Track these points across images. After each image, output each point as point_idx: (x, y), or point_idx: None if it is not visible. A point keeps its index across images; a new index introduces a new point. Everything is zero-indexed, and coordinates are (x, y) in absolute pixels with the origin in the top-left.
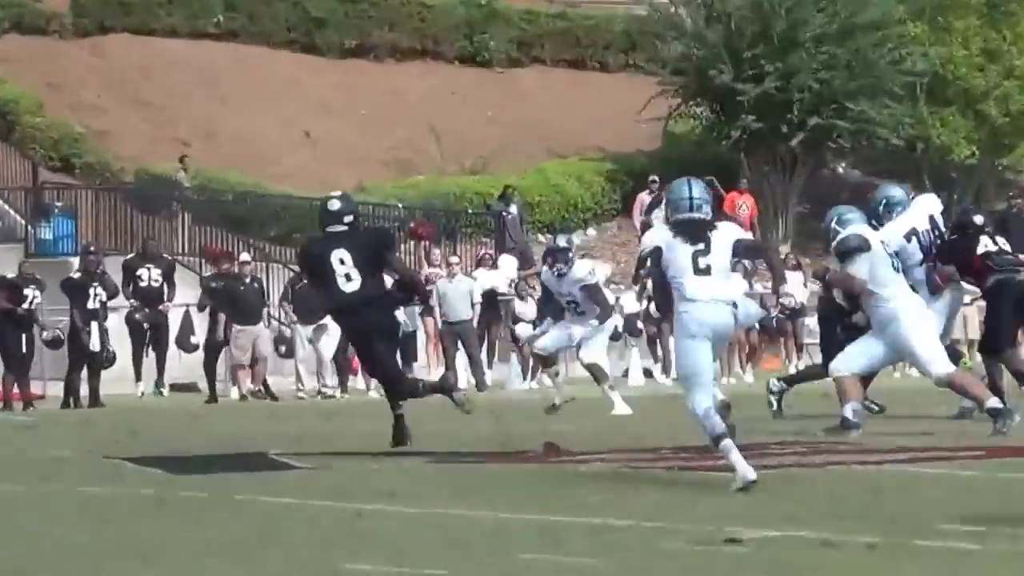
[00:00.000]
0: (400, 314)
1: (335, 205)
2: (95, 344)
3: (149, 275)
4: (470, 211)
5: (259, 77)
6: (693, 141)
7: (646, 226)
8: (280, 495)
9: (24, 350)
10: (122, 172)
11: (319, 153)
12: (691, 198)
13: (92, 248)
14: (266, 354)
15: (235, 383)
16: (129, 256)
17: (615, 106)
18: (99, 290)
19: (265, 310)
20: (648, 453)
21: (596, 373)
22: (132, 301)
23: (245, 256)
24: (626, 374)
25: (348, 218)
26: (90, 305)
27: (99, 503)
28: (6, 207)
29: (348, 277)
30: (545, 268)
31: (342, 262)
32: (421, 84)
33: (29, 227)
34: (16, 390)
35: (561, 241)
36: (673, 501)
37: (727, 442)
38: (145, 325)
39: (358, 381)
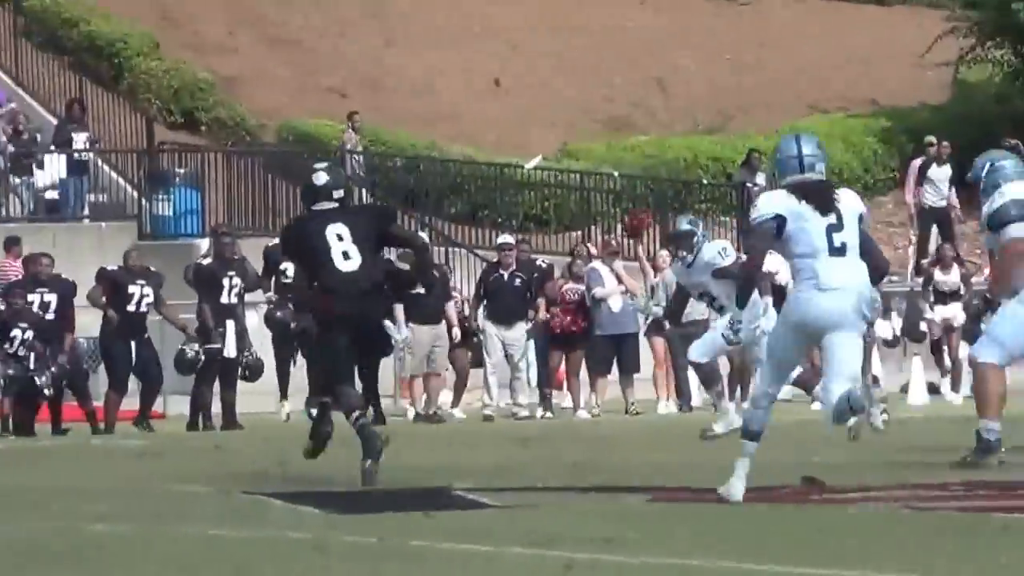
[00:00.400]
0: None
1: (321, 179)
2: (230, 349)
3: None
4: (705, 181)
5: (436, 11)
6: (991, 92)
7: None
8: (468, 540)
9: (133, 364)
10: (260, 130)
11: (511, 107)
12: (800, 156)
13: (225, 228)
14: (444, 365)
15: (408, 399)
16: (274, 243)
17: (892, 48)
18: (235, 280)
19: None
20: (935, 489)
21: (704, 377)
22: (272, 296)
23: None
24: (905, 389)
25: (338, 193)
26: (224, 300)
27: (236, 549)
28: (113, 175)
29: (346, 255)
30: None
31: (340, 238)
32: (642, 21)
33: (143, 200)
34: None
35: (683, 224)
36: (966, 551)
37: (749, 446)
38: (292, 326)
39: (564, 398)
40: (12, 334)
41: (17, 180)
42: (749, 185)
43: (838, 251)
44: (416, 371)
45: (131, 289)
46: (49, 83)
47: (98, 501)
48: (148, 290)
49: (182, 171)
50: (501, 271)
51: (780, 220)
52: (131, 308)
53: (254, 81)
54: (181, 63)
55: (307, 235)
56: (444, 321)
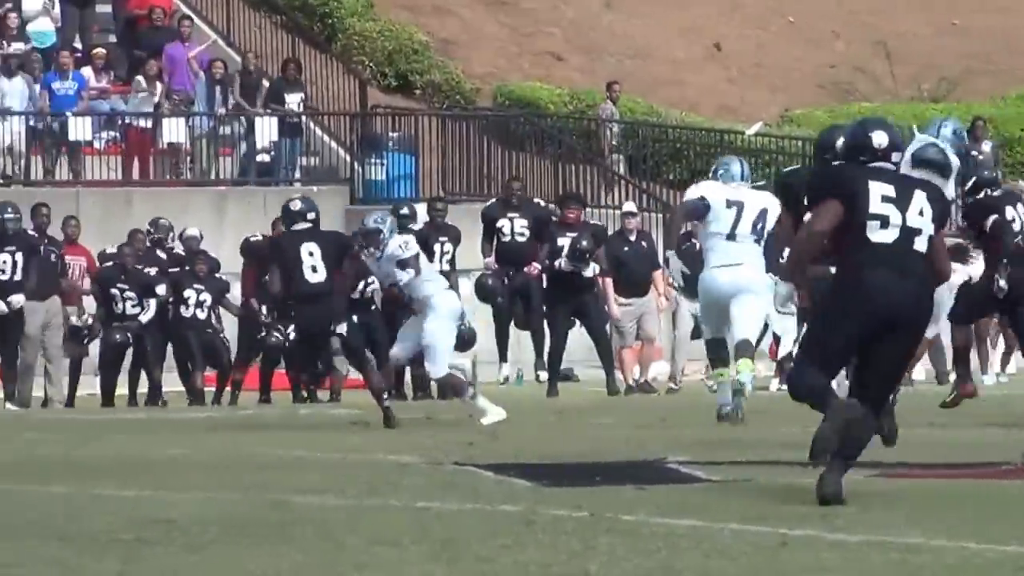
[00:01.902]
0: None
1: (296, 205)
2: None
3: (512, 227)
4: None
5: None
6: None
7: None
8: (681, 515)
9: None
10: (476, 94)
11: (732, 71)
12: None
13: (440, 194)
14: (654, 335)
15: (620, 369)
16: (488, 203)
17: None
18: (447, 246)
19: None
20: None
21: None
22: (489, 261)
23: (630, 206)
24: None
25: (311, 215)
26: (436, 266)
27: (446, 521)
28: (326, 138)
29: (314, 268)
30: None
31: (311, 254)
32: None
33: (356, 164)
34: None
35: (369, 222)
36: None
37: None
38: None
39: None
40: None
41: (227, 143)
42: (974, 154)
43: None
44: (626, 342)
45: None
46: (261, 43)
47: (307, 472)
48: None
49: (395, 135)
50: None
51: None
52: (354, 296)
53: (470, 43)
54: (396, 24)
55: (286, 253)
56: (652, 290)
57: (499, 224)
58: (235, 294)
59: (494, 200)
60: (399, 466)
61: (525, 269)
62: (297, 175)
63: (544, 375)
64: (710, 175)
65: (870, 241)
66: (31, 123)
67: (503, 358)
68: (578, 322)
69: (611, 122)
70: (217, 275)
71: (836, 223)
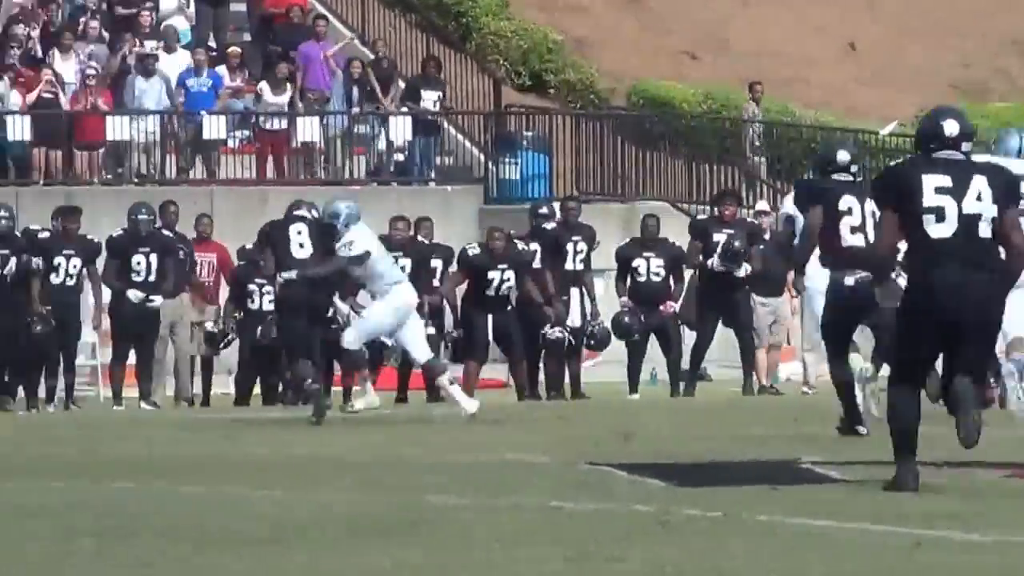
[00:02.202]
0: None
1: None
2: (574, 318)
3: (648, 266)
4: None
5: None
6: None
7: None
8: (814, 515)
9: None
10: (610, 93)
11: (866, 70)
12: None
13: (574, 194)
14: (783, 339)
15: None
16: (624, 243)
17: None
18: (580, 245)
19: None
20: None
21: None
22: (624, 300)
23: (763, 205)
24: None
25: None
26: (568, 265)
27: (578, 521)
28: (459, 137)
29: (301, 245)
30: None
31: (299, 232)
32: None
33: (490, 164)
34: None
35: (325, 216)
36: None
37: None
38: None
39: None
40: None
41: (362, 142)
42: None
43: None
44: (761, 343)
45: (491, 275)
46: (396, 42)
47: (437, 472)
48: (509, 274)
49: (529, 134)
50: None
51: None
52: (490, 293)
53: (604, 42)
54: (530, 23)
55: (276, 231)
56: (785, 293)
57: (635, 264)
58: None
59: (629, 240)
60: (531, 466)
61: (660, 308)
62: (432, 174)
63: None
64: None
65: (930, 237)
66: (165, 122)
67: (633, 390)
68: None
69: (751, 122)
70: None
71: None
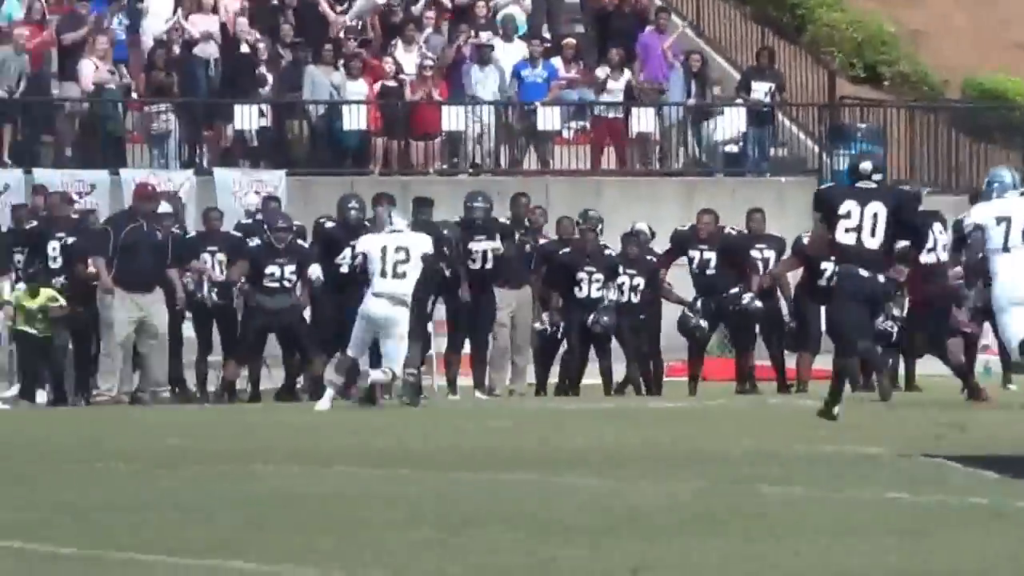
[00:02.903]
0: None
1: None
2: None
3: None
4: None
5: None
6: None
7: None
8: None
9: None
10: (945, 85)
11: None
12: None
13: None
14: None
15: None
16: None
17: None
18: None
19: None
20: None
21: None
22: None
23: None
24: None
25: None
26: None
27: (912, 512)
28: (793, 128)
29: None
30: None
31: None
32: None
33: (824, 155)
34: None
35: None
36: None
37: None
38: None
39: None
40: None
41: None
42: None
43: None
44: None
45: (824, 266)
46: (731, 34)
47: (773, 463)
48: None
49: (864, 126)
50: None
51: None
52: (822, 283)
53: (939, 34)
54: (865, 15)
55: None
56: None
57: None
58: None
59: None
60: (866, 457)
61: None
62: (765, 166)
63: None
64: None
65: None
66: (499, 112)
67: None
68: None
69: None
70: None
71: None
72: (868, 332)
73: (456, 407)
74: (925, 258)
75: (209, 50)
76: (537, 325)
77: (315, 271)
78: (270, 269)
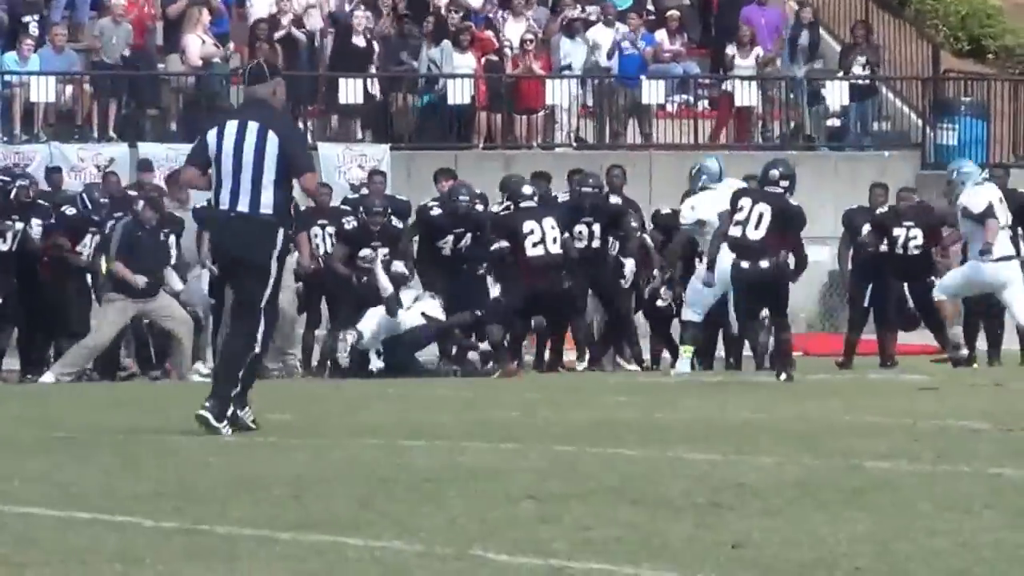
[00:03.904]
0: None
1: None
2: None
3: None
4: None
5: None
6: None
7: None
8: None
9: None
10: None
11: None
12: None
13: (1011, 160)
14: None
15: None
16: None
17: None
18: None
19: None
20: None
21: None
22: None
23: None
24: None
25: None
26: None
27: (1019, 488)
28: (898, 103)
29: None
30: None
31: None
32: None
33: (927, 129)
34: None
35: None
36: None
37: None
38: None
39: None
40: None
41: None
42: None
43: None
44: None
45: (896, 232)
46: (835, 8)
47: (879, 438)
48: (916, 232)
49: (967, 100)
50: None
51: None
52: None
53: None
54: None
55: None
56: None
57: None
58: None
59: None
60: (971, 432)
61: None
62: (868, 141)
63: None
64: None
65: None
66: (595, 86)
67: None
68: None
69: None
70: None
71: None
72: (754, 315)
73: (568, 381)
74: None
75: (313, 23)
76: (660, 303)
77: (397, 266)
78: (364, 252)
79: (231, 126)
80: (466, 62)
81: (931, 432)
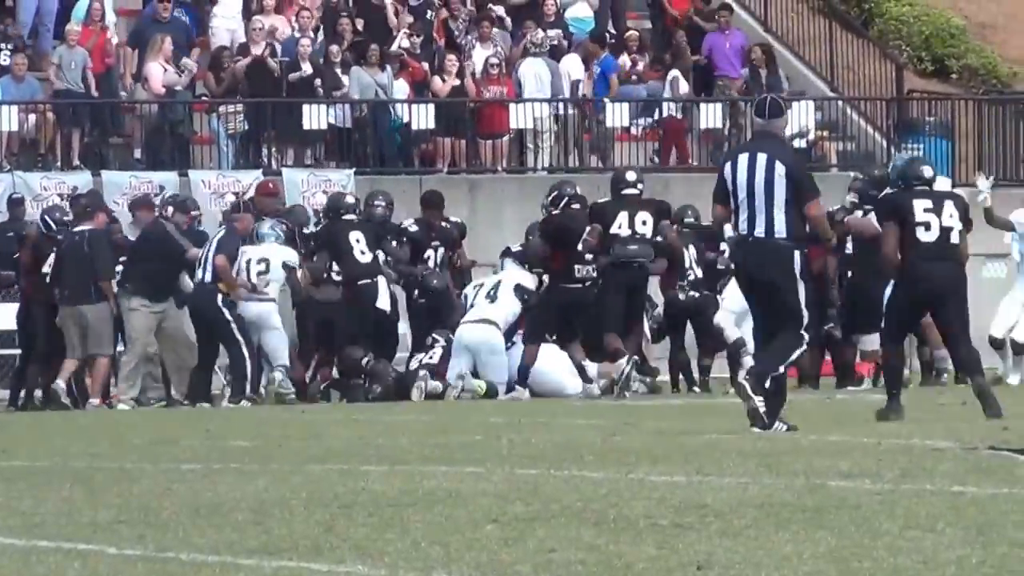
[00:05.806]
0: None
1: (349, 199)
2: None
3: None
4: None
5: None
6: None
7: None
8: None
9: None
10: (1012, 78)
11: None
12: None
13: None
14: None
15: None
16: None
17: None
18: None
19: None
20: None
21: None
22: None
23: None
24: None
25: (356, 209)
26: None
27: (981, 506)
28: (861, 122)
29: (362, 252)
30: None
31: (357, 240)
32: None
33: (892, 149)
34: None
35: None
36: None
37: None
38: None
39: None
40: None
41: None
42: None
43: None
44: None
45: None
46: (798, 29)
47: (842, 457)
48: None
49: (932, 120)
50: None
51: None
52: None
53: (1007, 27)
54: (932, 8)
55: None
56: None
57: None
58: None
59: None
60: (934, 451)
61: None
62: (833, 160)
63: None
64: None
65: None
66: (559, 109)
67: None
68: None
69: None
70: None
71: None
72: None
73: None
74: None
75: (276, 51)
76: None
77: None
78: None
79: (743, 158)
80: (401, 88)
81: (895, 451)
